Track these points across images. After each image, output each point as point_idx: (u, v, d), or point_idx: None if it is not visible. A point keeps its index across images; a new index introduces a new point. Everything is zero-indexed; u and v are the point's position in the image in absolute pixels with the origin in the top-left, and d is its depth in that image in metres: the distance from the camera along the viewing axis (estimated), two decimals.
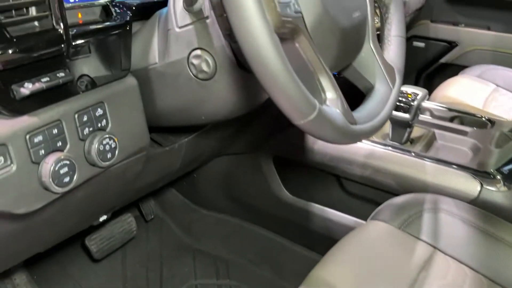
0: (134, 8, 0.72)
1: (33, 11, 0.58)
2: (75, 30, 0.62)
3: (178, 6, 0.65)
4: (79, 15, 0.70)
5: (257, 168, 1.22)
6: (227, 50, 0.63)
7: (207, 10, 0.62)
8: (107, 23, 0.68)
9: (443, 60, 1.97)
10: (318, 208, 1.17)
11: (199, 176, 1.32)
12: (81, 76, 0.63)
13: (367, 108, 0.65)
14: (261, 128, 1.17)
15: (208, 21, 0.62)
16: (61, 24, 0.58)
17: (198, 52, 0.64)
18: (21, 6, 0.57)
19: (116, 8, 0.72)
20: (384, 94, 0.69)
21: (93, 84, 0.64)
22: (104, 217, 0.90)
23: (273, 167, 1.21)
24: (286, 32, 0.51)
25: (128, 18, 0.70)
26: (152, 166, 0.85)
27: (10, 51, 0.52)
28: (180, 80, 0.68)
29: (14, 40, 0.53)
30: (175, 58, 0.67)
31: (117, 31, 0.68)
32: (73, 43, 0.60)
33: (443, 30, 1.93)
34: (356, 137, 0.59)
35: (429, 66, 2.01)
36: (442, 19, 1.94)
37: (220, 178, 1.31)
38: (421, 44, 1.96)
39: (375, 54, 0.70)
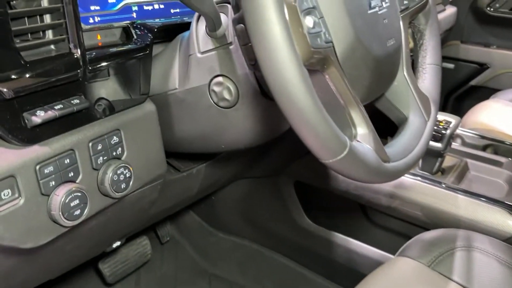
0: (155, 30, 0.69)
1: (49, 34, 0.56)
2: (93, 53, 0.60)
3: (200, 31, 0.61)
4: (98, 37, 0.68)
5: (277, 193, 1.17)
6: (251, 78, 0.59)
7: (231, 36, 0.58)
8: (127, 46, 0.66)
9: (473, 82, 1.89)
10: (341, 238, 1.11)
11: (217, 198, 1.28)
12: (99, 99, 0.60)
13: (400, 143, 0.60)
14: (282, 152, 1.12)
15: (231, 47, 0.59)
16: (78, 48, 0.56)
17: (220, 79, 0.61)
18: (37, 30, 0.54)
19: (137, 30, 0.70)
20: (418, 127, 0.64)
21: (111, 108, 0.61)
22: (117, 243, 0.87)
23: (294, 193, 1.16)
24: (315, 63, 0.47)
25: (148, 41, 0.67)
26: (169, 192, 0.82)
27: (22, 78, 0.49)
28: (200, 107, 0.64)
29: (28, 65, 0.50)
30: (195, 85, 0.63)
31: (137, 55, 0.65)
32: (91, 67, 0.57)
33: (473, 51, 1.87)
34: (389, 176, 0.54)
35: (458, 88, 1.94)
36: (473, 40, 1.87)
37: (239, 201, 1.26)
38: (450, 66, 1.89)
39: (409, 84, 0.65)
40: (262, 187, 1.21)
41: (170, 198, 0.86)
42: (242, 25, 0.49)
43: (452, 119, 1.00)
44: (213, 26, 0.58)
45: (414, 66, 0.72)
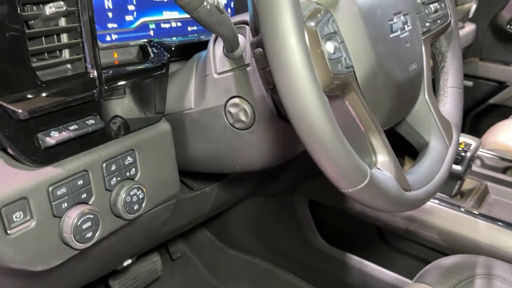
0: (172, 48, 0.69)
1: (66, 53, 0.55)
2: (110, 72, 0.59)
3: (218, 52, 0.61)
4: (115, 55, 0.67)
5: (291, 211, 1.15)
6: (268, 100, 0.58)
7: (248, 58, 0.57)
8: (144, 65, 0.65)
9: (492, 100, 1.86)
10: (356, 260, 1.08)
11: (229, 215, 1.26)
12: (114, 117, 0.59)
13: (421, 170, 0.58)
14: (296, 171, 1.11)
15: (248, 69, 0.58)
16: (95, 68, 0.55)
17: (236, 100, 0.60)
18: (54, 49, 0.54)
19: (153, 48, 0.69)
20: (440, 153, 0.62)
21: (125, 126, 0.60)
22: (128, 262, 0.86)
23: (308, 212, 1.14)
24: (335, 88, 0.46)
25: (165, 60, 0.66)
26: (181, 211, 0.80)
27: (38, 98, 0.49)
28: (216, 128, 0.63)
29: (43, 85, 0.50)
30: (211, 105, 0.62)
31: (153, 74, 0.64)
32: (107, 87, 0.56)
33: (493, 69, 1.83)
34: (410, 206, 0.52)
35: (476, 106, 1.90)
36: (492, 57, 1.84)
37: (251, 218, 1.25)
38: (469, 83, 1.86)
39: (431, 108, 0.63)
40: (276, 205, 1.19)
41: (183, 217, 0.85)
42: (260, 49, 0.48)
43: (472, 141, 0.97)
44: (230, 47, 0.57)
45: (435, 88, 0.70)
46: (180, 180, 0.71)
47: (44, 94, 0.50)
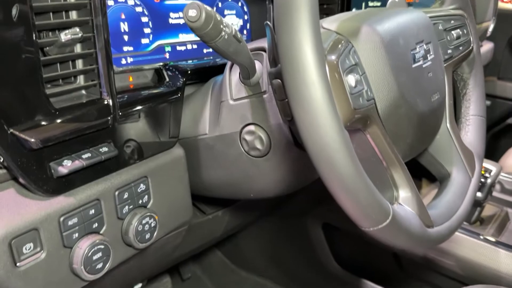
0: (188, 72, 0.68)
1: (81, 80, 0.55)
2: (125, 97, 0.59)
3: (234, 77, 0.59)
4: (130, 79, 0.67)
5: (304, 234, 1.13)
6: (284, 128, 0.56)
7: (265, 85, 0.56)
8: (159, 90, 0.64)
9: (510, 120, 1.82)
10: (371, 287, 1.05)
11: (241, 235, 1.24)
12: (128, 143, 0.58)
13: (443, 203, 0.56)
14: (311, 193, 1.08)
15: (265, 96, 0.56)
16: (110, 94, 0.54)
17: (252, 128, 0.58)
18: (69, 75, 0.53)
19: (169, 72, 0.68)
20: (462, 185, 0.59)
21: (139, 152, 0.59)
22: (139, 286, 0.84)
23: (322, 235, 1.11)
24: (356, 122, 0.44)
25: (180, 84, 0.65)
26: (193, 235, 0.79)
27: (51, 126, 0.48)
28: (230, 154, 0.62)
29: (57, 112, 0.49)
30: (226, 132, 0.61)
31: (168, 99, 0.63)
32: (122, 113, 0.55)
33: (511, 89, 1.80)
34: (432, 243, 0.50)
35: (494, 126, 1.86)
36: (510, 76, 1.80)
37: (264, 240, 1.22)
38: (486, 103, 1.83)
39: (453, 137, 0.61)
40: (289, 227, 1.17)
41: (195, 241, 0.83)
42: (279, 80, 0.46)
43: (492, 166, 0.94)
44: (247, 74, 0.56)
45: (456, 116, 0.68)
46: (192, 203, 0.70)
47: (57, 122, 0.49)
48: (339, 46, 0.44)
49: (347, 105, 0.41)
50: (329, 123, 0.38)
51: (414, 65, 0.52)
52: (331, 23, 0.50)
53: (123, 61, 0.69)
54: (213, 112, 0.63)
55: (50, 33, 0.52)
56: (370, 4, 0.98)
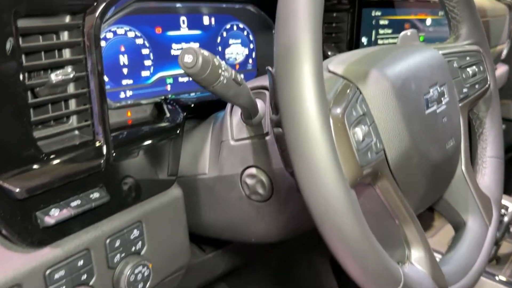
0: (191, 106, 0.65)
1: (74, 120, 0.52)
2: (121, 136, 0.56)
3: (235, 116, 0.56)
4: (128, 114, 0.64)
5: (312, 268, 1.08)
6: (287, 172, 0.53)
7: (267, 126, 0.53)
8: (158, 125, 0.61)
9: None
10: None
11: (247, 266, 1.20)
12: (122, 185, 0.55)
13: (458, 258, 0.52)
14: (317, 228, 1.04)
15: (267, 138, 0.53)
16: (103, 135, 0.51)
17: (253, 171, 0.55)
18: (61, 117, 0.51)
19: (169, 105, 0.66)
20: (478, 235, 0.55)
21: (134, 194, 0.56)
22: None
23: (330, 270, 1.07)
24: (364, 177, 0.41)
25: (180, 120, 0.62)
26: (192, 276, 0.75)
27: (38, 174, 0.45)
28: (230, 197, 0.58)
29: (46, 157, 0.46)
30: (226, 173, 0.58)
31: (167, 136, 0.61)
32: (116, 153, 0.53)
33: None
34: None
35: (509, 151, 1.81)
36: None
37: (270, 272, 1.18)
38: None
39: (468, 182, 0.57)
40: (296, 261, 1.12)
41: (193, 281, 0.79)
42: (280, 129, 0.43)
43: (509, 203, 0.90)
44: (249, 115, 0.53)
45: (472, 157, 0.63)
46: (190, 241, 0.67)
47: (45, 168, 0.46)
48: (347, 93, 0.41)
49: (353, 163, 0.37)
50: (334, 183, 0.34)
51: (427, 111, 0.48)
52: (338, 65, 0.47)
53: (122, 95, 0.67)
54: (213, 151, 0.60)
55: (42, 72, 0.49)
56: (381, 31, 0.95)
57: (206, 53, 0.41)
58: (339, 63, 0.47)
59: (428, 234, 1.02)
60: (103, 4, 0.49)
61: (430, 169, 0.48)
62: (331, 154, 0.34)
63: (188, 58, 0.41)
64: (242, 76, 0.47)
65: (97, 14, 0.49)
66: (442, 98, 0.51)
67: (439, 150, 0.50)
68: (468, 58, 0.60)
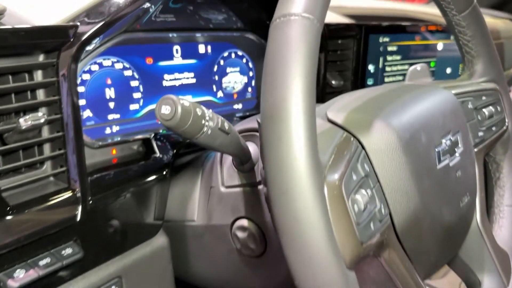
0: (182, 142, 0.60)
1: (48, 166, 0.47)
2: (102, 178, 0.51)
3: (226, 161, 0.51)
4: (113, 151, 0.59)
5: None
6: None
7: (260, 174, 0.48)
8: (145, 164, 0.57)
9: None
10: None
11: None
12: (100, 234, 0.50)
13: None
14: None
15: (260, 187, 0.48)
16: (79, 183, 0.47)
17: (245, 222, 0.50)
18: (33, 163, 0.46)
19: (158, 142, 0.61)
20: None
21: (114, 243, 0.51)
22: None
23: None
24: (366, 253, 0.35)
25: (167, 160, 0.58)
26: None
27: (2, 231, 0.40)
28: (220, 249, 0.53)
29: (11, 211, 0.42)
30: (216, 222, 0.53)
31: (154, 177, 0.56)
32: (93, 202, 0.48)
33: None
34: None
35: None
36: None
37: None
38: None
39: (484, 237, 0.52)
40: None
41: None
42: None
43: None
44: (239, 161, 0.48)
45: (488, 204, 0.58)
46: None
47: (10, 225, 0.41)
48: (346, 152, 0.36)
49: (352, 240, 0.32)
50: (329, 269, 0.29)
51: (439, 166, 0.43)
52: (338, 113, 0.41)
53: (108, 131, 0.62)
54: (203, 196, 0.55)
55: (14, 115, 0.45)
56: (389, 58, 0.90)
57: (186, 103, 0.36)
58: (339, 110, 0.42)
59: (439, 273, 0.95)
60: (80, 42, 0.44)
61: (441, 232, 0.43)
62: (326, 236, 0.29)
63: (165, 109, 0.36)
64: (229, 124, 0.42)
65: (73, 51, 0.45)
66: (456, 149, 0.46)
67: (452, 210, 0.44)
68: (484, 97, 0.55)
